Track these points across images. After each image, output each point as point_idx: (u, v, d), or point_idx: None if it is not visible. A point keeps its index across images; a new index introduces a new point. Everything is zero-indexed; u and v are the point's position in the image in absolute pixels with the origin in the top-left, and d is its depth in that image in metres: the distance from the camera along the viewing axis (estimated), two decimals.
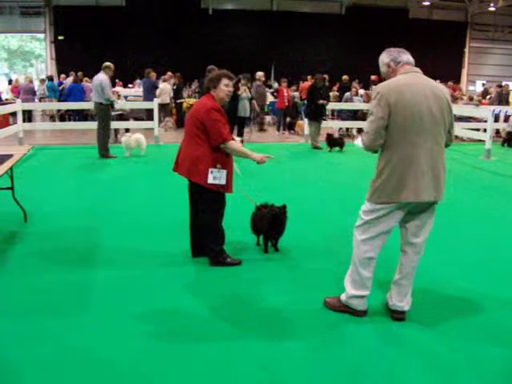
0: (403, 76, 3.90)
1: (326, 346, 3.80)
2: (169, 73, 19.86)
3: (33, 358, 3.56)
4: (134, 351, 3.68)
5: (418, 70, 3.99)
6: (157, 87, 17.49)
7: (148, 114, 17.00)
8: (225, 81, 5.14)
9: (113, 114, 14.35)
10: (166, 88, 17.72)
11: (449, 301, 4.61)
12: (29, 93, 18.88)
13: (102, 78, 11.65)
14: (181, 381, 3.37)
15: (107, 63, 11.97)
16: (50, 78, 21.43)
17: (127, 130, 14.45)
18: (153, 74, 17.75)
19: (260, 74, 17.94)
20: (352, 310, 4.23)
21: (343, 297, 4.26)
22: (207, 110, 4.97)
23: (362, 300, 4.18)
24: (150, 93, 17.41)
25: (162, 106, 16.39)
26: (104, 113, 11.83)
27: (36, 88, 22.30)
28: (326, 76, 15.12)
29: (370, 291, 4.17)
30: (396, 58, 4.02)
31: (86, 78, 20.46)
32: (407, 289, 4.15)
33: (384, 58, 4.10)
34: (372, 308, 4.34)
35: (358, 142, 4.26)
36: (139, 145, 12.18)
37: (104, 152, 11.94)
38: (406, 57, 4.03)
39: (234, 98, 11.91)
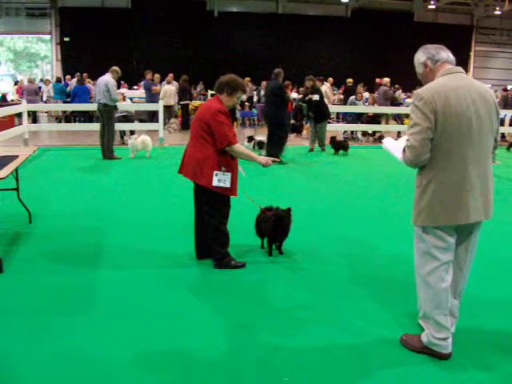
0: (446, 78, 3.44)
1: (332, 349, 3.80)
2: (170, 74, 19.89)
3: (34, 357, 3.57)
4: (135, 352, 3.67)
5: (460, 69, 3.51)
6: (149, 89, 17.56)
7: (149, 116, 17.06)
8: (239, 93, 5.23)
9: (118, 115, 14.42)
10: (168, 90, 17.74)
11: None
12: (32, 93, 18.89)
13: (107, 79, 11.68)
14: None
15: (115, 67, 12.04)
16: (58, 80, 21.45)
17: (132, 132, 14.46)
18: (149, 76, 17.85)
19: (387, 80, 18.00)
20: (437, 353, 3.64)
21: (424, 337, 3.69)
22: (213, 112, 4.98)
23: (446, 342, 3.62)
24: (146, 94, 17.88)
25: (166, 108, 16.41)
26: (108, 114, 11.85)
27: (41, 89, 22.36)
28: (311, 78, 14.53)
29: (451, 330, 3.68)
30: (434, 56, 3.53)
31: (89, 80, 20.49)
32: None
33: (420, 56, 3.61)
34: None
35: (390, 146, 3.79)
36: (145, 146, 12.20)
37: (109, 153, 11.97)
38: (446, 54, 3.55)
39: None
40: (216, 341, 3.87)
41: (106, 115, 11.84)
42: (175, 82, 19.41)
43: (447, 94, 3.32)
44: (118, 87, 20.08)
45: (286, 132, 12.31)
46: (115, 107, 12.05)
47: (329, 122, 15.43)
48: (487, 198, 3.50)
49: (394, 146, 3.75)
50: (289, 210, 5.56)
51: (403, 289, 4.74)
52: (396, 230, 6.73)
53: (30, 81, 20.30)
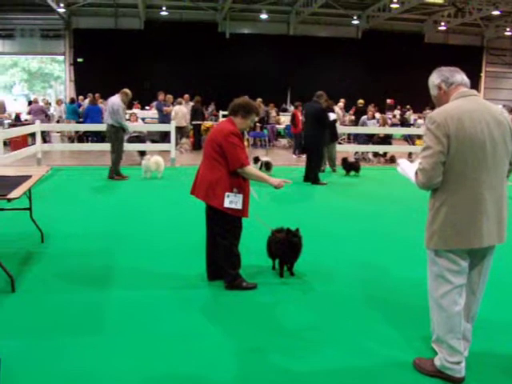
0: (460, 100, 3.45)
1: (344, 371, 3.76)
2: (186, 95, 20.06)
3: (44, 377, 3.56)
4: (145, 374, 3.65)
5: (474, 92, 3.54)
6: (160, 110, 17.70)
7: (161, 137, 17.13)
8: (253, 117, 5.26)
9: (130, 135, 14.49)
10: (179, 111, 17.86)
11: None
12: (39, 113, 19.01)
13: (115, 101, 11.70)
14: None
15: (126, 89, 12.08)
16: (72, 101, 21.65)
17: (143, 153, 14.46)
18: (161, 97, 18.00)
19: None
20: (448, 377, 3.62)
21: (437, 361, 3.68)
22: (226, 134, 5.01)
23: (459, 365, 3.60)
24: (158, 114, 18.18)
25: (177, 129, 16.49)
26: (115, 135, 11.82)
27: (52, 110, 22.53)
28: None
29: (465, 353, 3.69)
30: (448, 79, 3.54)
31: (101, 100, 20.68)
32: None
33: (434, 78, 3.62)
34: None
35: (404, 169, 3.78)
36: (158, 167, 12.25)
37: (113, 174, 11.94)
38: (460, 77, 3.56)
39: None
40: (227, 363, 3.85)
41: (113, 136, 11.83)
42: (191, 103, 19.55)
43: (461, 117, 3.32)
44: (130, 107, 20.25)
45: (321, 156, 12.46)
46: (123, 129, 12.01)
47: (339, 143, 15.42)
48: (501, 222, 3.47)
49: (408, 169, 3.75)
50: (297, 230, 5.55)
51: (417, 312, 4.70)
52: (409, 252, 6.67)
53: (35, 101, 20.51)
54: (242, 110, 5.19)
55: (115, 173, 12.01)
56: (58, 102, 22.38)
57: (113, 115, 11.60)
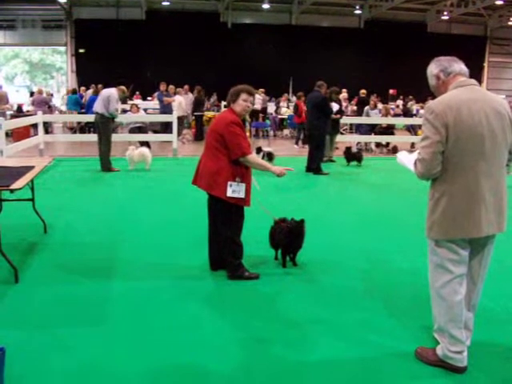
0: (458, 90, 3.42)
1: (346, 362, 3.77)
2: (186, 86, 20.05)
3: (47, 369, 3.56)
4: (148, 365, 3.66)
5: (473, 81, 3.48)
6: (161, 100, 17.67)
7: (162, 127, 17.09)
8: (243, 96, 5.15)
9: (132, 126, 14.45)
10: (176, 101, 17.84)
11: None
12: (42, 105, 18.95)
13: (112, 92, 11.65)
14: None
15: (123, 87, 12.20)
16: (74, 91, 21.63)
17: (144, 143, 14.43)
18: (163, 87, 17.97)
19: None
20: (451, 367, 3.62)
21: (439, 351, 3.67)
22: (227, 123, 5.00)
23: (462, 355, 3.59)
24: (160, 105, 18.16)
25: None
26: (105, 125, 11.72)
27: (55, 101, 22.51)
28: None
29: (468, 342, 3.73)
30: (446, 69, 3.51)
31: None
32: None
33: (432, 68, 3.60)
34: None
35: (403, 160, 3.80)
36: (144, 159, 12.16)
37: (107, 166, 11.85)
38: (459, 66, 3.53)
39: None
40: (229, 353, 3.86)
41: (102, 126, 11.73)
42: (190, 94, 19.52)
43: (459, 107, 3.30)
44: (131, 98, 20.22)
45: (323, 145, 12.48)
46: (112, 119, 11.90)
47: (341, 133, 15.38)
48: (500, 211, 3.46)
49: (408, 160, 3.75)
50: (302, 221, 5.55)
51: (418, 302, 4.70)
52: (412, 242, 6.67)
53: (40, 92, 20.52)
54: (232, 96, 5.19)
55: (108, 164, 11.88)
56: (68, 93, 22.34)
57: (107, 104, 11.47)
